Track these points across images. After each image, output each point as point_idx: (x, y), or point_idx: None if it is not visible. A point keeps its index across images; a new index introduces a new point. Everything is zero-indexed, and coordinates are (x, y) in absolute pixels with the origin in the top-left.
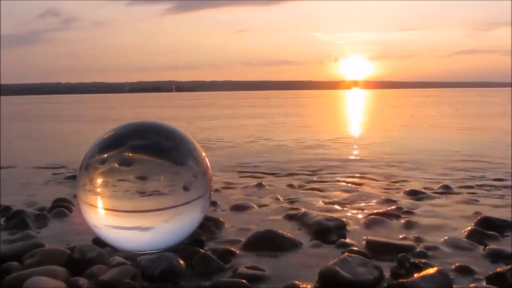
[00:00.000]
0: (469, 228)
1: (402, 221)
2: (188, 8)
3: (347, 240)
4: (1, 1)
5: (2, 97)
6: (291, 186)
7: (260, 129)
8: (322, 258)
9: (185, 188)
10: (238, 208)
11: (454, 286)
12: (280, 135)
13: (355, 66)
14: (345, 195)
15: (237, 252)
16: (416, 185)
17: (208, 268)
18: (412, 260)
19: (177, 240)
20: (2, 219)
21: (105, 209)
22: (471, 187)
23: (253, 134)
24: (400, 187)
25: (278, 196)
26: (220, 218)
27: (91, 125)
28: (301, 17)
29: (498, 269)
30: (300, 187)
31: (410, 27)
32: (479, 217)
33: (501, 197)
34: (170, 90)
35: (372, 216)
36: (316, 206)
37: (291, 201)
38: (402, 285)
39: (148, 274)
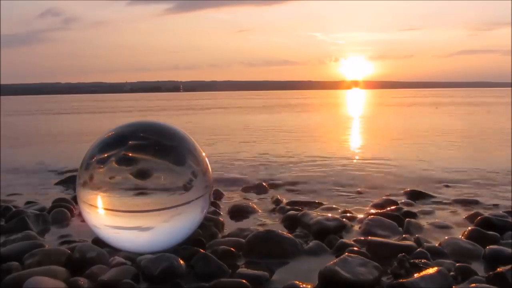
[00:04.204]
0: (469, 228)
1: (402, 222)
2: (188, 8)
3: (347, 240)
4: (1, 1)
5: (2, 97)
6: None
7: None
8: (322, 258)
9: (185, 188)
10: (238, 208)
11: (454, 286)
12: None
13: (356, 66)
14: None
15: (237, 252)
16: (416, 185)
17: (208, 269)
18: (412, 260)
19: (177, 240)
20: (2, 219)
21: (105, 209)
22: (471, 187)
23: None
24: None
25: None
26: (220, 218)
27: None
28: (301, 17)
29: (498, 269)
30: None
31: (410, 27)
32: (479, 217)
33: (501, 197)
34: (177, 90)
35: (372, 216)
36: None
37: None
38: (402, 285)
39: (148, 274)
